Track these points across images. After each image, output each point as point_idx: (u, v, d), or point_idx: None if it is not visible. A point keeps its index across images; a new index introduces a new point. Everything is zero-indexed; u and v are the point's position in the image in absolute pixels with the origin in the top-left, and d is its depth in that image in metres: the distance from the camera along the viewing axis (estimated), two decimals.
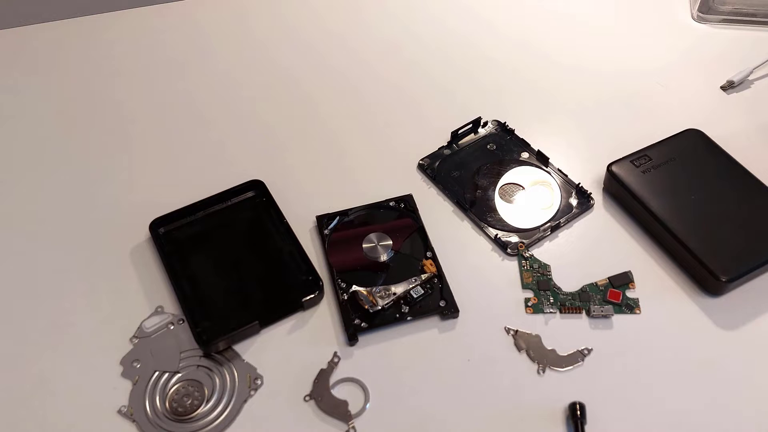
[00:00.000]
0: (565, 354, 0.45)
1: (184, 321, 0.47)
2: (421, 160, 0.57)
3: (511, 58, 0.66)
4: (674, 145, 0.54)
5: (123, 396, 0.44)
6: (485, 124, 0.59)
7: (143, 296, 0.49)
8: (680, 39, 0.67)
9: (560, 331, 0.47)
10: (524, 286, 0.49)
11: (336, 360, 0.46)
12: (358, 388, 0.45)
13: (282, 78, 0.65)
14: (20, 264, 0.52)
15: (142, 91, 0.64)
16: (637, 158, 0.53)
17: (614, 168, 0.53)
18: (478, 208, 0.53)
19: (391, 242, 0.51)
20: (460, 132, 0.58)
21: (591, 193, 0.53)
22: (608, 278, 0.49)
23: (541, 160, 0.56)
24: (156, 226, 0.52)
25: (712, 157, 0.53)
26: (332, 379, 0.45)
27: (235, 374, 0.45)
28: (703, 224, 0.49)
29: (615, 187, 0.53)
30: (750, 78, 0.62)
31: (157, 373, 0.45)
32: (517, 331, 0.47)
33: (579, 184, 0.54)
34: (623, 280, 0.49)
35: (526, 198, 0.54)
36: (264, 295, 0.48)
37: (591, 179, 0.55)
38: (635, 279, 0.49)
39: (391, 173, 0.56)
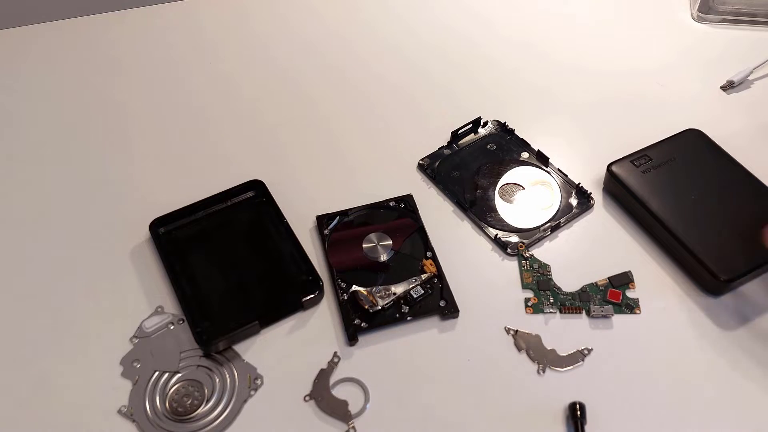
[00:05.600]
0: (565, 354, 0.45)
1: (184, 321, 0.47)
2: (421, 160, 0.57)
3: (511, 58, 0.66)
4: (674, 145, 0.54)
5: (123, 396, 0.44)
6: (485, 124, 0.59)
7: (143, 296, 0.49)
8: (680, 39, 0.67)
9: (560, 331, 0.47)
10: (524, 286, 0.49)
11: (336, 360, 0.46)
12: (358, 388, 0.45)
13: (282, 78, 0.65)
14: (20, 264, 0.52)
15: (142, 91, 0.64)
16: (637, 158, 0.53)
17: (614, 168, 0.53)
18: (478, 208, 0.53)
19: (391, 242, 0.51)
20: (460, 132, 0.58)
21: (591, 193, 0.53)
22: (608, 278, 0.49)
23: (541, 160, 0.56)
24: (156, 226, 0.52)
25: (712, 157, 0.53)
26: (332, 379, 0.45)
27: (235, 374, 0.45)
28: (703, 224, 0.49)
29: (615, 187, 0.53)
30: (750, 78, 0.62)
31: (157, 373, 0.45)
32: (517, 331, 0.47)
33: (579, 184, 0.54)
34: (623, 280, 0.49)
35: (526, 198, 0.54)
36: (264, 295, 0.48)
37: (591, 179, 0.55)
38: (635, 279, 0.49)
39: (391, 173, 0.56)
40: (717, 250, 0.47)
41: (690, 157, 0.53)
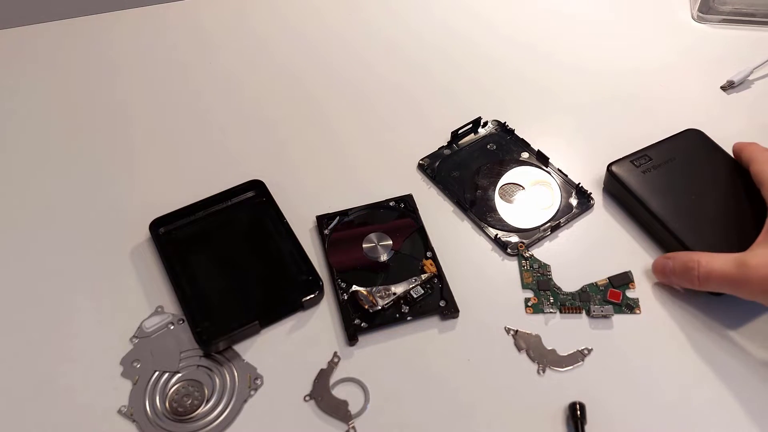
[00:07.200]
0: (565, 354, 0.45)
1: (184, 321, 0.47)
2: (421, 160, 0.57)
3: (511, 58, 0.66)
4: (674, 145, 0.54)
5: (123, 396, 0.44)
6: (485, 124, 0.59)
7: (143, 296, 0.49)
8: (680, 39, 0.67)
9: (560, 331, 0.47)
10: (524, 286, 0.49)
11: (336, 360, 0.46)
12: (358, 388, 0.45)
13: (282, 78, 0.65)
14: (20, 264, 0.52)
15: (143, 91, 0.64)
16: (637, 158, 0.53)
17: (614, 168, 0.52)
18: (478, 208, 0.53)
19: (391, 242, 0.51)
20: (460, 132, 0.58)
21: (591, 193, 0.53)
22: (608, 278, 0.49)
23: (541, 160, 0.56)
24: (156, 226, 0.52)
25: (712, 157, 0.53)
26: (332, 379, 0.45)
27: (235, 374, 0.45)
28: (703, 224, 0.49)
29: (615, 187, 0.53)
30: (750, 78, 0.62)
31: (157, 373, 0.45)
32: (517, 331, 0.47)
33: (579, 184, 0.54)
34: (623, 280, 0.49)
35: (526, 198, 0.54)
36: (264, 295, 0.48)
37: (591, 179, 0.55)
38: (635, 279, 0.49)
39: (391, 173, 0.56)
40: (717, 249, 0.47)
41: (690, 157, 0.53)
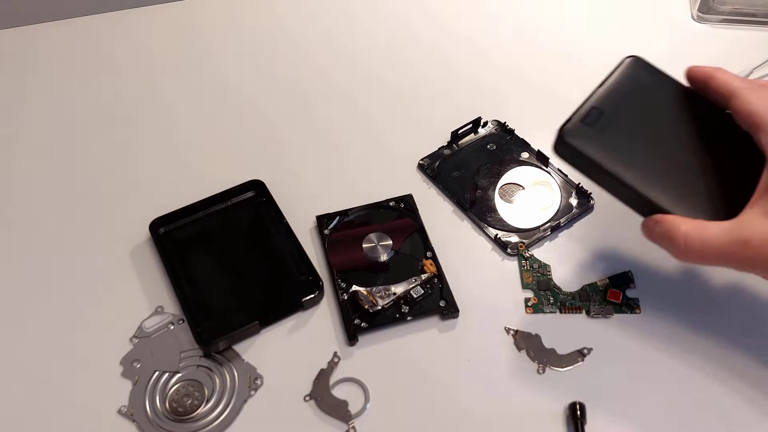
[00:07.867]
0: (565, 354, 0.45)
1: (184, 321, 0.47)
2: (421, 160, 0.57)
3: (511, 58, 0.66)
4: (620, 85, 0.44)
5: (123, 396, 0.44)
6: (485, 124, 0.59)
7: (143, 296, 0.49)
8: (680, 39, 0.67)
9: (560, 331, 0.47)
10: (524, 286, 0.49)
11: (336, 360, 0.46)
12: (358, 388, 0.45)
13: (282, 78, 0.65)
14: (20, 264, 0.52)
15: (142, 91, 0.64)
16: (587, 116, 0.42)
17: (568, 137, 0.42)
18: (478, 208, 0.53)
19: (391, 242, 0.51)
20: (460, 132, 0.58)
21: (591, 193, 0.53)
22: (608, 278, 0.49)
23: (541, 160, 0.56)
24: (156, 226, 0.52)
25: (668, 93, 0.44)
26: (332, 379, 0.45)
27: (235, 374, 0.45)
28: (680, 182, 0.40)
29: (570, 155, 0.43)
30: (750, 78, 0.62)
31: (157, 373, 0.45)
32: (517, 331, 0.47)
33: (579, 184, 0.54)
34: (623, 280, 0.49)
35: (526, 198, 0.54)
36: (264, 295, 0.48)
37: None
38: (635, 279, 0.49)
39: (391, 173, 0.56)
40: (700, 209, 0.39)
41: (644, 98, 0.43)
